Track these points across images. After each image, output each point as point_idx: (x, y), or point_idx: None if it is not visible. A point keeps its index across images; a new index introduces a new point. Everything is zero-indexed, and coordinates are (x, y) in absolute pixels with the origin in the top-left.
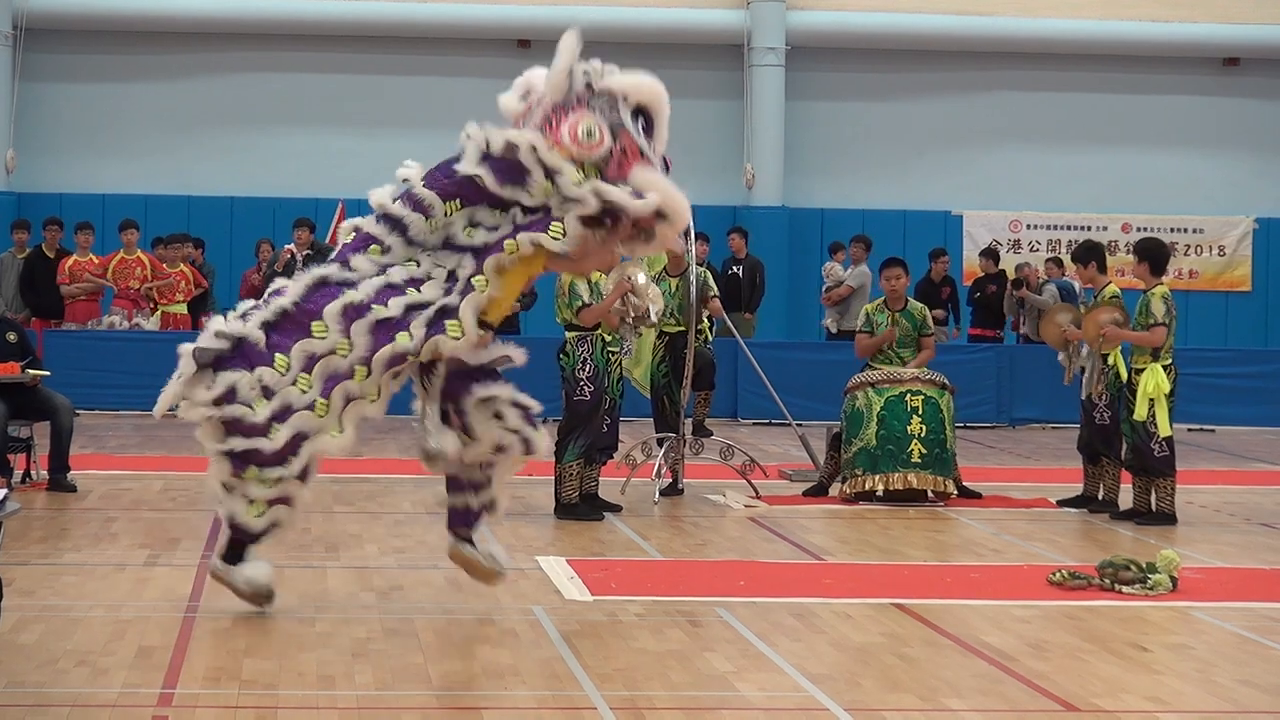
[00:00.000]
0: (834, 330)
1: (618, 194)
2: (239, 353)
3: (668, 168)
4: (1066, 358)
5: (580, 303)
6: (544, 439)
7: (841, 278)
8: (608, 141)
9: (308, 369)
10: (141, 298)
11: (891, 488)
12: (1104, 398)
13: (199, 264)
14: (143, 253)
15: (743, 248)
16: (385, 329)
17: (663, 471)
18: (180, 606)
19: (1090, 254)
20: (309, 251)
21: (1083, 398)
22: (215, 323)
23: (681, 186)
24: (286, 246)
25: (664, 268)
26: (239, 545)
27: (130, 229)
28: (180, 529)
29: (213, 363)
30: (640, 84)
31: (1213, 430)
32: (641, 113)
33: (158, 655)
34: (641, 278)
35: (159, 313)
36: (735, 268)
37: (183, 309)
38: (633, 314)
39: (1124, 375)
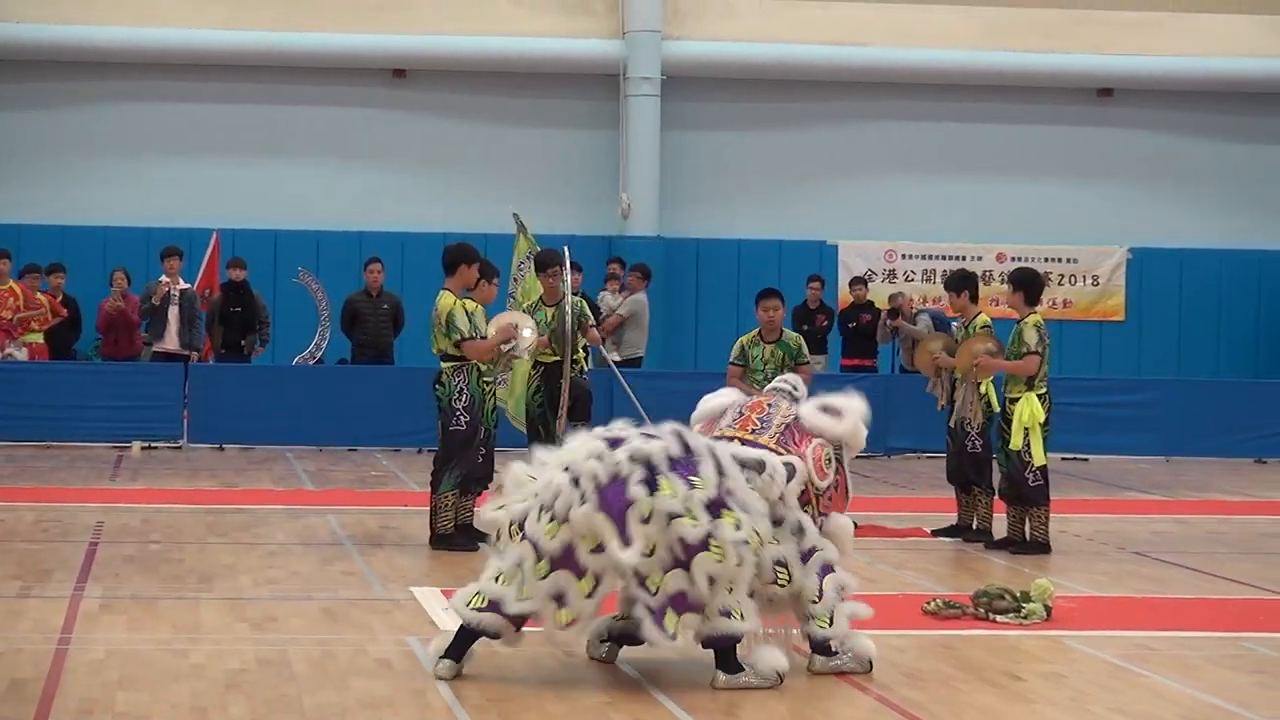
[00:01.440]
0: (618, 359)
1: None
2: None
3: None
4: (938, 385)
5: (459, 334)
6: None
7: (613, 306)
8: (832, 476)
9: None
10: (14, 327)
11: None
12: (976, 426)
13: (57, 293)
14: (15, 282)
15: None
16: None
17: None
18: (52, 638)
19: (963, 283)
20: (184, 286)
21: (951, 424)
22: None
23: (557, 216)
24: (162, 280)
25: (540, 298)
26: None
27: (2, 259)
28: (52, 560)
29: None
30: (860, 435)
31: (1086, 459)
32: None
33: (30, 688)
34: (527, 332)
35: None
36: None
37: (39, 338)
38: (509, 352)
39: (995, 405)
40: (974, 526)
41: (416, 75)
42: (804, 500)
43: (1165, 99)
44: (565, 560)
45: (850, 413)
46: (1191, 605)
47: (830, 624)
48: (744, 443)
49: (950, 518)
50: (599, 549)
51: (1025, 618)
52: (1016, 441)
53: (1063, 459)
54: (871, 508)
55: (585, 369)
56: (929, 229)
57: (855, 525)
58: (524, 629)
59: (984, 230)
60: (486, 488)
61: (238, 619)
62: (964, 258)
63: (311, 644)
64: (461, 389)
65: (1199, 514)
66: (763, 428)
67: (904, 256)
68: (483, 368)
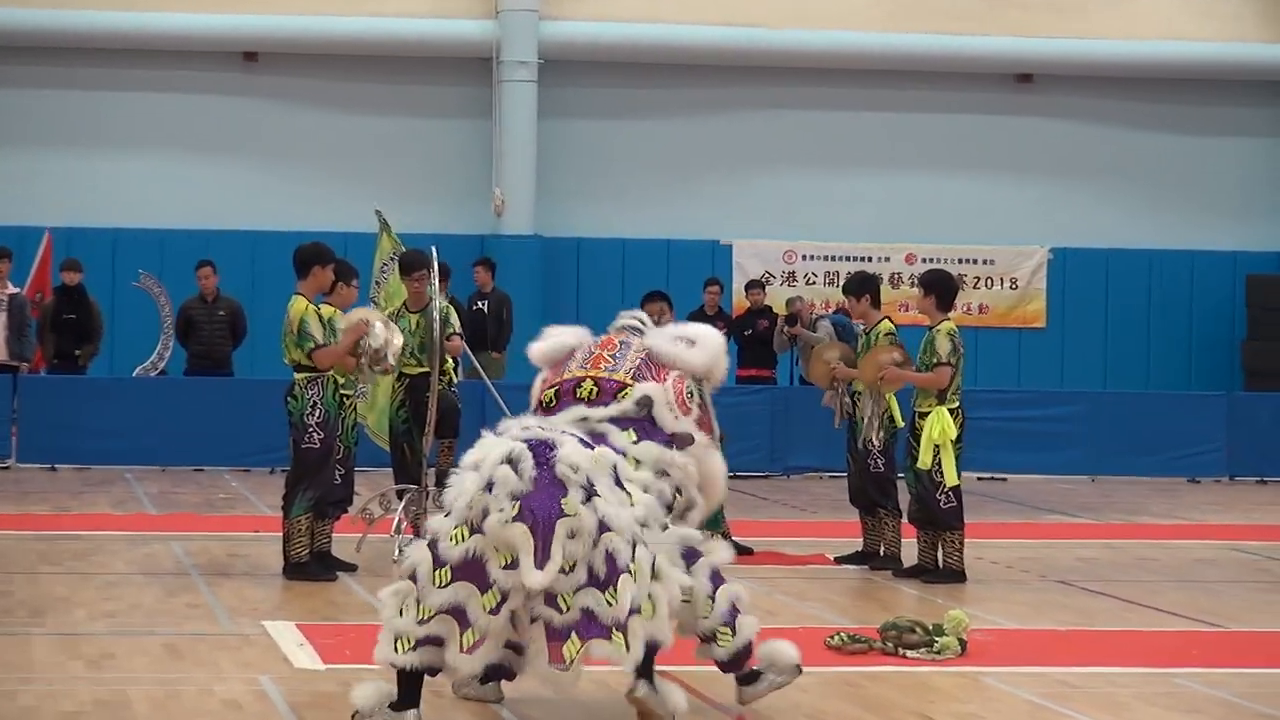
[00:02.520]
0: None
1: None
2: None
3: None
4: (835, 398)
5: (312, 343)
6: None
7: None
8: (695, 412)
9: None
10: None
11: None
12: (878, 443)
13: None
14: None
15: (489, 281)
16: None
17: (403, 527)
18: None
19: (863, 286)
20: (13, 290)
21: (859, 445)
22: None
23: (425, 214)
24: None
25: (404, 303)
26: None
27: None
28: None
29: None
30: (721, 365)
31: (1004, 479)
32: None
33: None
34: (378, 324)
35: None
36: (481, 303)
37: None
38: (367, 356)
39: (898, 419)
40: (881, 553)
41: (269, 59)
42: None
43: (1090, 85)
44: (469, 571)
45: (706, 340)
46: (1119, 638)
47: (733, 635)
48: (598, 381)
49: (855, 543)
50: (511, 564)
51: (938, 653)
52: (926, 460)
53: (978, 479)
54: (769, 533)
55: (454, 381)
56: (831, 228)
57: (738, 551)
58: (483, 677)
59: (892, 229)
60: (345, 510)
61: (72, 657)
62: (870, 259)
63: (153, 684)
64: (315, 403)
65: (1127, 539)
66: (616, 364)
67: (804, 257)
68: (341, 379)
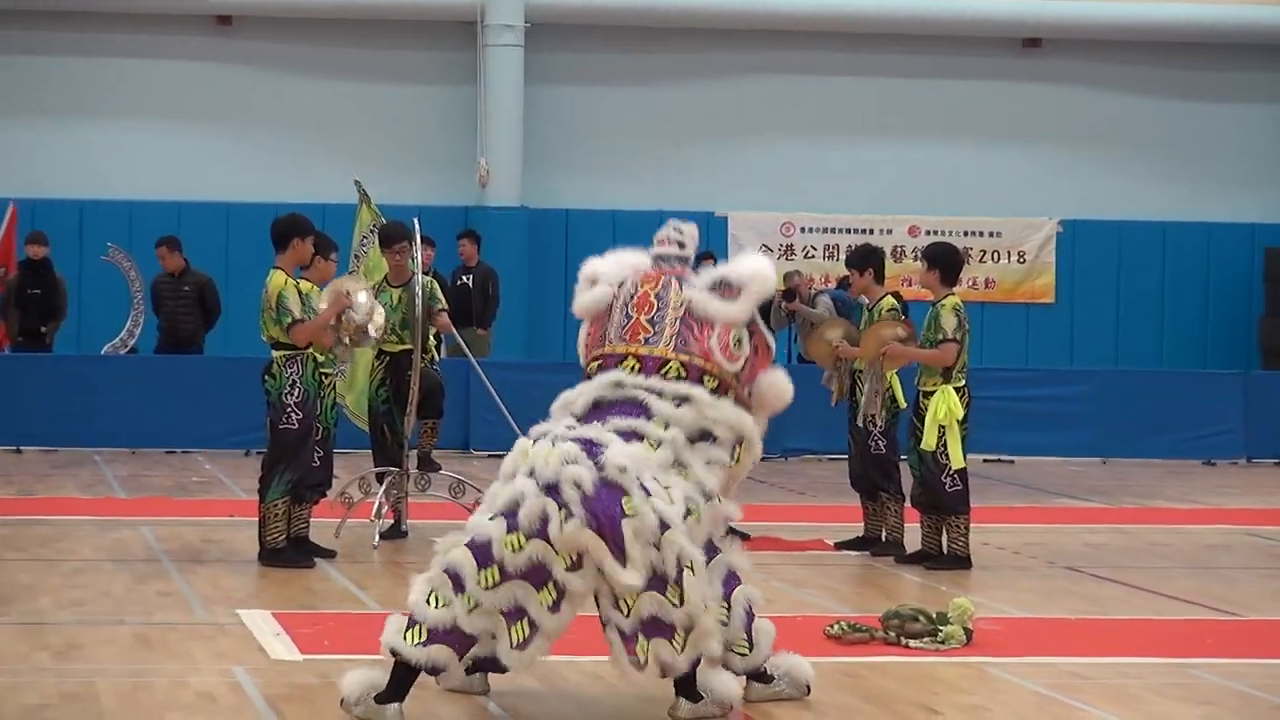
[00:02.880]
0: None
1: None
2: None
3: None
4: (836, 378)
5: (290, 318)
6: None
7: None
8: (747, 347)
9: None
10: None
11: None
12: (880, 424)
13: None
14: None
15: (474, 255)
16: None
17: (383, 511)
18: None
19: (867, 260)
20: None
21: (859, 424)
22: None
23: (406, 184)
24: None
25: (385, 277)
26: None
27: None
28: None
29: None
30: (767, 280)
31: (1012, 461)
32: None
33: None
34: (362, 295)
35: None
36: (465, 277)
37: None
38: (348, 333)
39: (900, 399)
40: (883, 538)
41: (243, 22)
42: (723, 390)
43: (1101, 50)
44: (528, 574)
45: (750, 282)
46: (1130, 627)
47: (750, 648)
48: (640, 359)
49: (856, 528)
50: (573, 566)
51: (942, 642)
52: (931, 441)
53: (984, 461)
54: (766, 518)
55: (436, 359)
56: (831, 199)
57: (746, 537)
58: (469, 667)
59: (894, 200)
60: (323, 495)
61: (37, 647)
62: (871, 231)
63: (123, 675)
64: (294, 382)
65: (1139, 523)
66: (656, 335)
67: (802, 230)
68: (320, 357)
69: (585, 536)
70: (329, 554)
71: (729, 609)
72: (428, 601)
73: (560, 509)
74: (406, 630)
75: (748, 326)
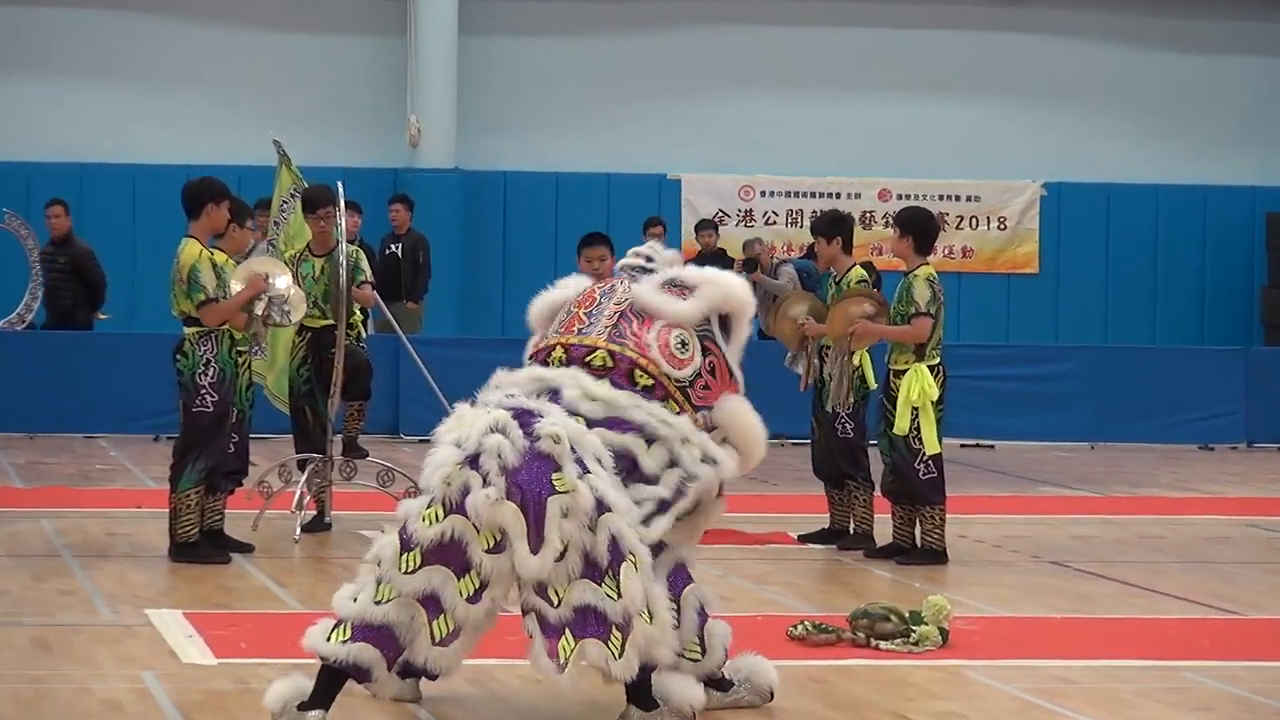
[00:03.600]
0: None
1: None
2: None
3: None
4: (802, 358)
5: (203, 295)
6: None
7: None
8: (697, 360)
9: None
10: None
11: None
12: (846, 406)
13: None
14: None
15: (405, 221)
16: None
17: (305, 502)
18: None
19: (834, 227)
20: None
21: (827, 408)
22: None
23: (330, 144)
24: None
25: (307, 246)
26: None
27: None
28: None
29: None
30: (732, 291)
31: (992, 446)
32: (724, 320)
33: None
34: (281, 281)
35: None
36: (394, 246)
37: None
38: (264, 315)
39: (870, 380)
40: (850, 530)
41: None
42: (659, 395)
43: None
44: (444, 554)
45: (706, 286)
46: (1120, 627)
47: (703, 653)
48: (568, 348)
49: (821, 519)
50: (496, 547)
51: (915, 644)
52: (903, 425)
53: (962, 446)
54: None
55: (363, 335)
56: (795, 160)
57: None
58: (400, 671)
59: (863, 162)
60: (239, 484)
61: None
62: (838, 195)
63: (21, 681)
64: (208, 361)
65: (1130, 514)
66: (590, 324)
67: (763, 194)
68: (236, 335)
69: (505, 511)
70: (246, 548)
71: (679, 610)
72: (353, 599)
73: (484, 481)
74: (331, 630)
75: (705, 343)
